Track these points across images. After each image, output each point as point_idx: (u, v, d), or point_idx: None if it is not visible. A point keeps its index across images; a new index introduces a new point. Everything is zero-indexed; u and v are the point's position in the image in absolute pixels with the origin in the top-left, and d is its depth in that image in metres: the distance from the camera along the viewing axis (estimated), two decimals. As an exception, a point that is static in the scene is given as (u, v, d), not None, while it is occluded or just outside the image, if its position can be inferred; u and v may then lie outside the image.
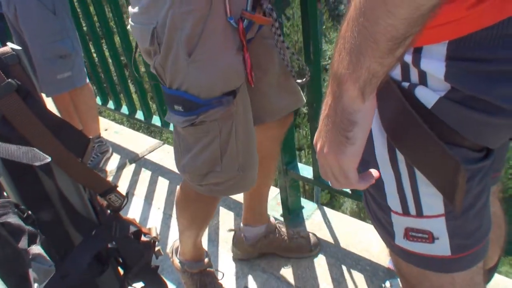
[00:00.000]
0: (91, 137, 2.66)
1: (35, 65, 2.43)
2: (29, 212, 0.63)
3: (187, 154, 1.30)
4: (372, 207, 0.85)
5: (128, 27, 1.23)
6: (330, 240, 1.93)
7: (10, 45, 0.70)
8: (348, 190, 1.85)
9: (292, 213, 2.08)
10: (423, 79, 0.64)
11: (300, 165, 1.99)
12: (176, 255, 1.77)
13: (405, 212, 0.76)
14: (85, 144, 0.78)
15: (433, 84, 0.63)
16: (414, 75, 0.65)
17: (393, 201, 0.77)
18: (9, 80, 0.66)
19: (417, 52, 0.62)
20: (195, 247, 1.68)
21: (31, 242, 0.60)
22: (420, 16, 0.48)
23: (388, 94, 0.66)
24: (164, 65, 1.14)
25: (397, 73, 0.66)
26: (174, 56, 1.11)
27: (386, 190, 0.77)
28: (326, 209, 2.12)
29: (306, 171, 1.96)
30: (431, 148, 0.65)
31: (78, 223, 0.82)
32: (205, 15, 1.07)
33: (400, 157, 0.71)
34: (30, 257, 0.59)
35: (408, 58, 0.63)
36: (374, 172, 0.72)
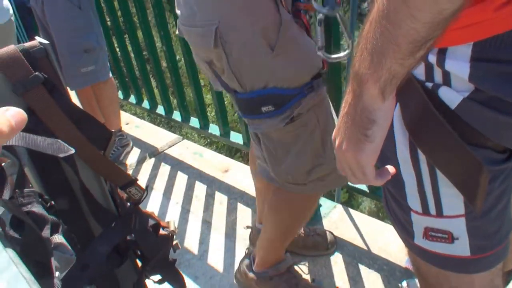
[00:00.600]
0: (113, 130, 2.69)
1: (60, 58, 2.47)
2: (52, 202, 0.65)
3: (287, 156, 1.22)
4: (391, 206, 0.85)
5: (176, 32, 1.19)
6: (347, 238, 1.93)
7: (38, 39, 0.71)
8: (366, 189, 1.84)
9: (310, 211, 2.08)
10: (447, 79, 0.64)
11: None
12: (248, 271, 1.67)
13: (425, 211, 0.76)
14: (108, 138, 0.79)
15: (457, 84, 0.63)
16: (438, 76, 0.65)
17: (414, 201, 0.77)
18: (36, 73, 0.68)
19: (442, 53, 0.62)
20: (282, 250, 1.62)
21: (54, 231, 0.62)
22: (442, 20, 0.48)
23: (412, 94, 0.67)
24: (239, 67, 1.08)
25: (420, 73, 0.67)
26: (251, 53, 1.06)
27: (406, 190, 0.77)
28: (343, 207, 2.11)
29: (324, 169, 1.96)
30: (453, 149, 0.66)
31: (98, 215, 0.84)
32: (274, 9, 1.04)
33: (422, 157, 0.71)
34: (52, 246, 0.60)
35: (433, 59, 0.64)
36: (391, 168, 0.73)
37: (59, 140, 0.69)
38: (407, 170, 0.75)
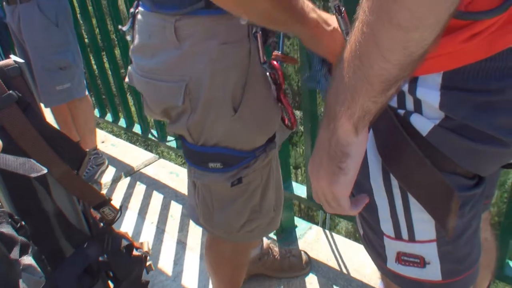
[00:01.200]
0: (87, 149, 2.66)
1: (35, 75, 2.44)
2: (23, 222, 0.64)
3: (222, 212, 1.17)
4: (365, 230, 0.85)
5: (139, 78, 1.06)
6: (322, 260, 1.93)
7: (13, 58, 0.71)
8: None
9: (285, 232, 2.08)
10: (418, 107, 0.66)
11: (294, 184, 2.00)
12: None
13: (398, 236, 0.77)
14: (82, 157, 0.79)
15: (428, 112, 0.65)
16: (410, 103, 0.67)
17: (386, 225, 0.78)
18: (10, 91, 0.68)
19: (413, 81, 0.64)
20: None
21: (23, 252, 0.61)
22: (412, 61, 0.50)
23: (384, 120, 0.68)
24: (201, 123, 1.01)
25: (393, 100, 0.68)
26: (216, 113, 1.00)
27: (379, 214, 0.78)
28: (319, 228, 2.12)
29: (300, 190, 1.97)
30: (425, 175, 0.67)
31: (70, 235, 0.83)
32: (246, 66, 0.98)
33: (394, 182, 0.73)
34: (21, 267, 0.59)
35: (405, 87, 0.65)
36: (365, 197, 0.74)
37: (31, 160, 0.68)
38: (380, 195, 0.76)
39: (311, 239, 2.06)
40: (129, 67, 1.10)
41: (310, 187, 1.86)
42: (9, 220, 0.63)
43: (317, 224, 2.10)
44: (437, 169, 0.66)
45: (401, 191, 0.73)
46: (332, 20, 0.94)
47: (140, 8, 1.02)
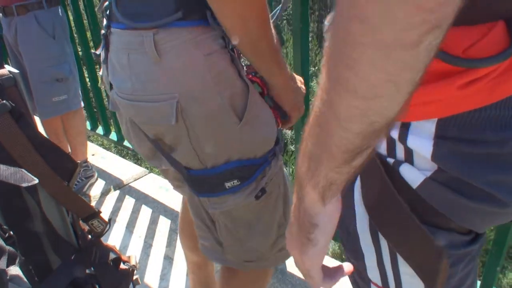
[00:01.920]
0: (78, 161, 2.64)
1: (31, 87, 2.44)
2: (11, 232, 0.64)
3: (250, 235, 1.09)
4: (354, 277, 0.81)
5: (124, 102, 0.97)
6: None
7: (8, 68, 0.72)
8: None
9: (274, 250, 2.08)
10: (409, 156, 0.60)
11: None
12: None
13: (385, 285, 0.73)
14: (73, 169, 0.79)
15: (419, 162, 0.60)
16: (400, 152, 0.61)
17: (374, 273, 0.74)
18: (4, 101, 0.68)
19: (404, 128, 0.59)
20: None
21: (10, 262, 0.60)
22: (374, 131, 0.46)
23: (371, 170, 0.63)
24: (202, 142, 0.95)
25: (382, 147, 0.63)
26: (219, 125, 0.94)
27: (366, 261, 0.74)
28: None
29: (289, 208, 1.97)
30: (412, 232, 0.62)
31: (58, 247, 0.82)
32: (235, 72, 0.94)
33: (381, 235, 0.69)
34: (8, 277, 0.59)
35: (395, 134, 0.60)
36: (347, 266, 0.71)
37: (22, 170, 0.68)
38: (366, 243, 0.71)
39: (299, 258, 2.06)
40: (111, 94, 1.03)
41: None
42: (-3, 229, 0.63)
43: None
44: (428, 224, 0.61)
45: (388, 244, 0.68)
46: (295, 79, 0.99)
47: (113, 29, 0.95)
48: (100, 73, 1.06)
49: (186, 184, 1.08)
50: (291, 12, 1.27)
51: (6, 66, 0.75)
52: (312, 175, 0.53)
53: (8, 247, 0.61)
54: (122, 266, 0.99)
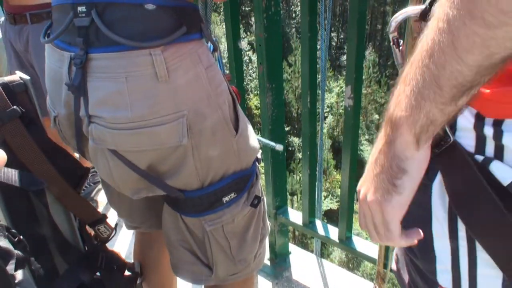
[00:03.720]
0: (87, 166, 2.64)
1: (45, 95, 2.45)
2: (21, 237, 0.64)
3: (241, 247, 1.09)
4: (412, 277, 0.78)
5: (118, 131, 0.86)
6: (315, 287, 1.92)
7: (19, 74, 0.73)
8: (336, 239, 1.86)
9: (279, 257, 2.07)
10: (499, 153, 0.59)
11: (290, 210, 2.00)
12: None
13: None
14: (81, 174, 0.80)
15: (510, 159, 0.58)
16: (490, 149, 0.60)
17: (444, 277, 0.70)
18: (14, 107, 0.69)
19: (498, 125, 0.57)
20: None
21: (19, 266, 0.61)
22: (491, 65, 0.45)
23: (459, 166, 0.62)
24: (207, 160, 0.93)
25: (470, 145, 0.61)
26: (220, 139, 0.92)
27: (437, 264, 0.71)
28: (313, 256, 2.11)
29: (296, 216, 1.97)
30: (503, 229, 0.60)
31: (65, 251, 0.83)
32: (227, 84, 0.94)
33: (461, 233, 0.66)
34: (16, 281, 0.59)
35: (489, 130, 0.59)
36: (418, 232, 0.67)
37: (31, 174, 0.69)
38: (442, 243, 0.68)
39: (304, 266, 2.05)
40: (89, 128, 0.86)
41: (306, 214, 1.86)
42: (6, 233, 0.63)
43: (311, 251, 2.10)
44: None
45: (468, 242, 0.66)
46: None
47: (98, 54, 0.84)
48: (55, 113, 0.88)
49: (167, 212, 1.04)
50: (299, 20, 1.28)
51: (17, 72, 0.76)
52: (412, 112, 0.52)
53: (16, 251, 0.62)
54: (126, 272, 1.00)
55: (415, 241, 0.66)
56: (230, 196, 0.98)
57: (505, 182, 0.58)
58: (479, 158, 0.60)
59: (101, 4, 0.83)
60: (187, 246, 1.07)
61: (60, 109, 0.86)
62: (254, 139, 1.01)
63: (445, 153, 0.60)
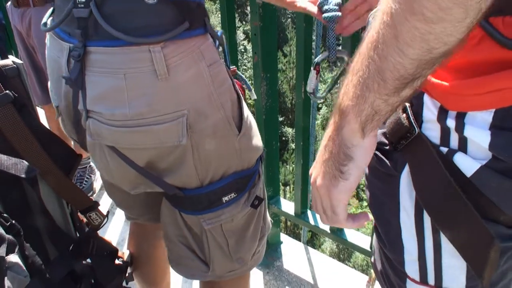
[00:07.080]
0: (84, 157, 2.61)
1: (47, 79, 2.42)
2: (13, 221, 0.64)
3: (238, 245, 1.08)
4: (384, 267, 0.80)
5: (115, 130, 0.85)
6: (306, 278, 1.93)
7: (12, 58, 0.72)
8: (327, 229, 1.87)
9: (271, 248, 2.08)
10: (463, 145, 0.61)
11: (282, 200, 2.01)
12: None
13: (423, 280, 0.72)
14: (74, 160, 0.79)
15: (473, 151, 0.60)
16: (454, 141, 0.61)
17: (412, 268, 0.72)
18: (7, 91, 0.68)
19: (460, 118, 0.59)
20: None
21: (10, 251, 0.61)
22: (431, 59, 0.47)
23: (425, 157, 0.63)
24: (206, 159, 0.91)
25: (436, 137, 0.63)
26: (222, 138, 0.90)
27: (405, 255, 0.73)
28: (304, 246, 2.12)
29: (288, 206, 1.98)
30: (465, 219, 0.62)
31: (56, 238, 0.83)
32: (231, 81, 0.92)
33: (427, 224, 0.68)
34: (7, 265, 0.59)
35: (451, 123, 0.60)
36: (366, 216, 0.70)
37: (23, 160, 0.69)
38: (409, 235, 0.70)
39: (296, 256, 2.06)
40: (87, 123, 0.85)
41: (298, 204, 1.87)
42: (-3, 218, 0.63)
43: (301, 241, 2.11)
44: (478, 213, 0.60)
45: (434, 233, 0.68)
46: None
47: (96, 48, 0.82)
48: (56, 103, 0.90)
49: (166, 207, 1.04)
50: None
51: (10, 56, 0.75)
52: (358, 101, 0.54)
53: (8, 236, 0.62)
54: (116, 261, 1.00)
55: (364, 223, 0.69)
56: (230, 196, 0.97)
57: (468, 174, 0.60)
58: (444, 150, 0.62)
59: None
60: (185, 241, 1.06)
61: (60, 100, 0.86)
62: (258, 138, 1.00)
63: (411, 145, 0.63)
